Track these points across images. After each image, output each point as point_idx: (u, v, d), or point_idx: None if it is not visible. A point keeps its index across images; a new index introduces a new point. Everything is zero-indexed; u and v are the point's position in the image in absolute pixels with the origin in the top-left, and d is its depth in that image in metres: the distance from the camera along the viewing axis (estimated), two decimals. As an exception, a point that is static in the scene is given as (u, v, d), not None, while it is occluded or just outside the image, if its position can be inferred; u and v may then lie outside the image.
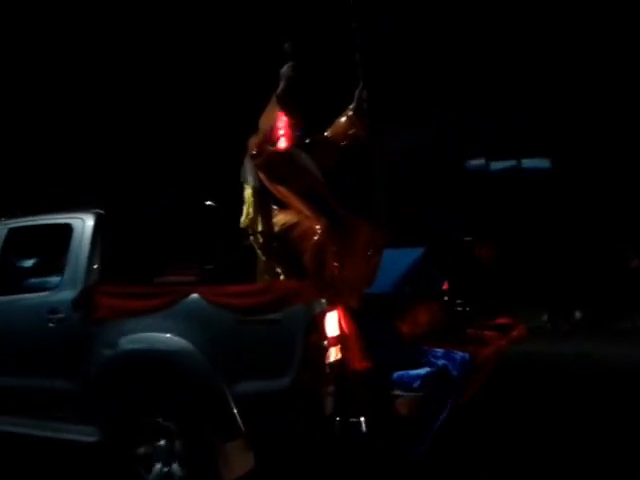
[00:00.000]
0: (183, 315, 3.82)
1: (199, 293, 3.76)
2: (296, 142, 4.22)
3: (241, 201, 4.38)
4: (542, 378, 6.71)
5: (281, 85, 4.22)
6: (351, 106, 4.38)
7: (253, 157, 4.14)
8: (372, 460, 3.79)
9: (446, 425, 3.63)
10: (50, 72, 13.92)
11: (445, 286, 5.19)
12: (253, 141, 4.22)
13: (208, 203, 5.39)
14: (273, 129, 4.20)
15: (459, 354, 3.76)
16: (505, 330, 4.69)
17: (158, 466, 3.89)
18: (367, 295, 4.19)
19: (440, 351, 3.79)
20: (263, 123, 4.26)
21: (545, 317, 11.78)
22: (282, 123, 4.19)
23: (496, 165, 16.08)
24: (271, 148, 4.16)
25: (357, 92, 4.38)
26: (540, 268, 12.12)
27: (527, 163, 15.86)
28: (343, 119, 4.39)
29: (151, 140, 14.35)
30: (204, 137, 14.47)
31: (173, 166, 13.77)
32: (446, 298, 5.14)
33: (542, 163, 15.69)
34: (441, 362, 3.66)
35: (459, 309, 5.26)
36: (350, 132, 4.34)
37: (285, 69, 4.25)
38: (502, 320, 4.87)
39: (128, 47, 13.89)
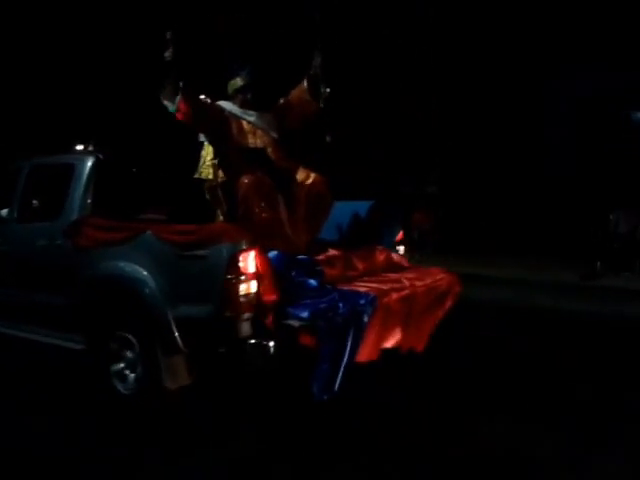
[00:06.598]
0: (142, 248, 4.55)
1: (152, 230, 4.45)
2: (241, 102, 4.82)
3: None
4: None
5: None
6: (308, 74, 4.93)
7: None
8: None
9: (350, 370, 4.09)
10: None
11: (399, 237, 5.61)
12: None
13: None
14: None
15: (362, 295, 4.21)
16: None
17: (128, 373, 4.71)
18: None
19: (346, 291, 4.26)
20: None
21: None
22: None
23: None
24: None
25: (313, 61, 4.87)
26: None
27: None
28: (299, 88, 4.92)
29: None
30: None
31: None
32: (400, 247, 5.57)
33: None
34: (338, 302, 4.12)
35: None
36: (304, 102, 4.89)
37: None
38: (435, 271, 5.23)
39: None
